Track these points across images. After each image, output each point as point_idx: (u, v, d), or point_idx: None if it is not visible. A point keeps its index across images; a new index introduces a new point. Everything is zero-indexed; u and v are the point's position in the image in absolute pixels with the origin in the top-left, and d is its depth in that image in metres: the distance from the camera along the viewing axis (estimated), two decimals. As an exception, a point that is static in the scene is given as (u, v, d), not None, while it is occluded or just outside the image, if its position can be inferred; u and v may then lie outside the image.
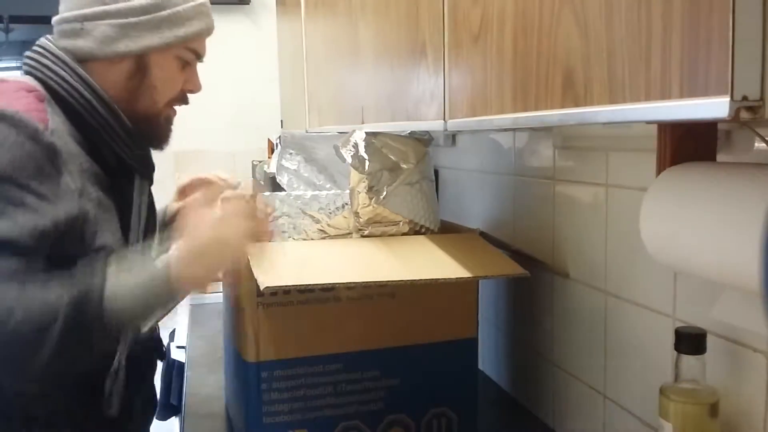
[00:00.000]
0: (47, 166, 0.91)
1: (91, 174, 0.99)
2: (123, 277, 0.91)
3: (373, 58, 1.08)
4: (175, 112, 1.12)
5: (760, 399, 0.75)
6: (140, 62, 1.05)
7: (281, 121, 2.24)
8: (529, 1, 0.59)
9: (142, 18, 1.03)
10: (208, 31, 1.12)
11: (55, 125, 0.95)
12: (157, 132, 1.11)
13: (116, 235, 1.03)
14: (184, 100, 1.12)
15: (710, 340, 0.77)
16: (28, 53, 1.04)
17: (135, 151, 1.07)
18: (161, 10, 1.04)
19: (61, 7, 1.05)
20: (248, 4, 2.46)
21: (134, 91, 1.06)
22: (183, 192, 1.28)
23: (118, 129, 1.04)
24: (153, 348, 1.20)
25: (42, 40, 1.04)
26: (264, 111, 2.47)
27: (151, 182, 1.18)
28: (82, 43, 1.03)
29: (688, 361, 0.77)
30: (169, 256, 0.93)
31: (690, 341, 0.76)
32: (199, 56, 1.12)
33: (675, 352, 0.78)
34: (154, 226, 1.19)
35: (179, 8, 1.06)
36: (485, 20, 0.68)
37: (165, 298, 0.93)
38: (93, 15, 1.02)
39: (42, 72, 1.00)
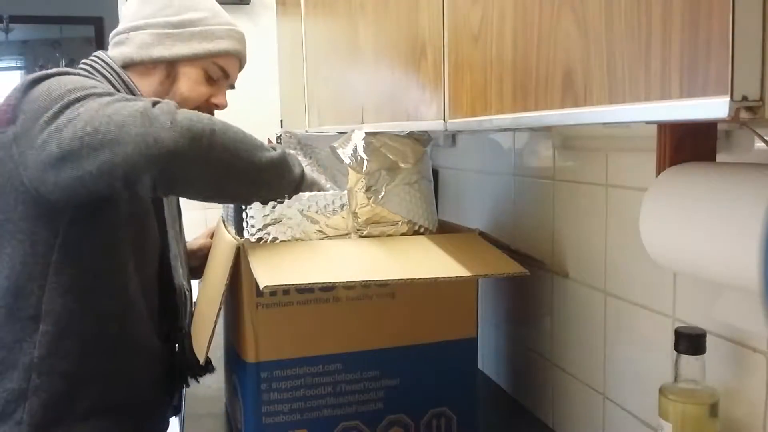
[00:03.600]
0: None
1: None
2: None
3: (372, 58, 1.08)
4: None
5: (760, 399, 0.75)
6: (170, 70, 1.19)
7: (281, 120, 2.24)
8: (529, 1, 0.59)
9: (176, 30, 1.19)
10: (238, 54, 1.27)
11: None
12: None
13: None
14: (210, 114, 1.18)
15: (710, 340, 0.77)
16: (84, 60, 1.19)
17: None
18: (195, 26, 1.20)
19: (119, 25, 1.23)
20: (248, 4, 2.46)
21: (164, 95, 1.18)
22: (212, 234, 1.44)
23: None
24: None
25: (98, 52, 1.21)
26: (264, 111, 2.46)
27: None
28: (125, 50, 1.19)
29: (688, 361, 0.77)
30: None
31: (690, 341, 0.76)
32: (227, 75, 1.25)
33: (675, 352, 0.78)
34: (181, 226, 1.34)
35: (212, 27, 1.22)
36: (485, 20, 0.68)
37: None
38: (137, 27, 1.19)
39: (91, 74, 1.14)
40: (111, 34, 1.24)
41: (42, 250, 1.05)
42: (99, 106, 0.95)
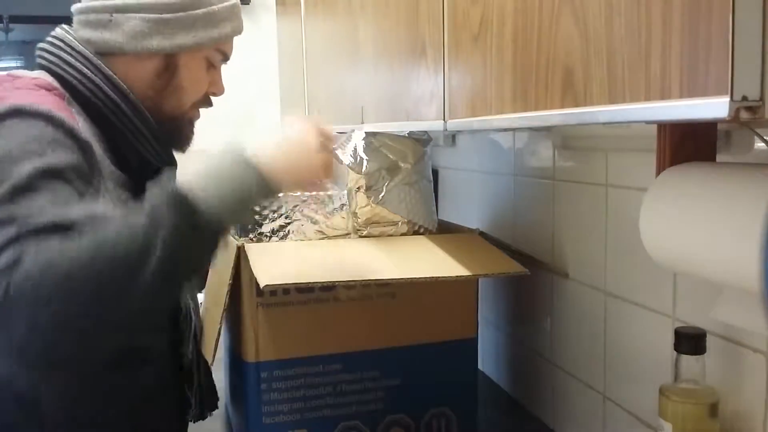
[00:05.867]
0: (85, 167, 0.85)
1: (117, 177, 0.95)
2: (202, 177, 0.79)
3: (372, 57, 1.08)
4: (198, 115, 1.07)
5: (760, 399, 0.75)
6: (170, 61, 1.00)
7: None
8: (528, 1, 0.59)
9: (176, 15, 0.98)
10: (239, 32, 1.07)
11: (82, 127, 0.88)
12: (181, 133, 1.06)
13: None
14: (207, 103, 1.07)
15: (710, 340, 0.77)
16: (42, 45, 0.96)
17: (161, 152, 1.02)
18: (197, 9, 0.99)
19: None
20: (248, 4, 2.46)
21: (161, 90, 1.01)
22: None
23: (143, 129, 0.98)
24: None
25: (59, 31, 0.97)
26: (264, 111, 2.47)
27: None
28: (109, 36, 0.96)
29: (688, 361, 0.76)
30: (247, 152, 0.82)
31: (690, 341, 0.76)
32: (225, 58, 1.07)
33: (675, 352, 0.78)
34: None
35: (215, 7, 1.01)
36: (485, 20, 0.68)
37: (256, 187, 0.81)
38: (125, 7, 0.96)
39: (60, 67, 0.93)
40: (79, 8, 0.99)
41: None
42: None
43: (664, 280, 0.89)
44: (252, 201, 0.83)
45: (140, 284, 0.71)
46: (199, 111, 1.07)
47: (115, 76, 0.95)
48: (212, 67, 1.05)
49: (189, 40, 0.99)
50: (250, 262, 0.96)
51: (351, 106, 1.21)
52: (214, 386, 1.15)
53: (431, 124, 0.83)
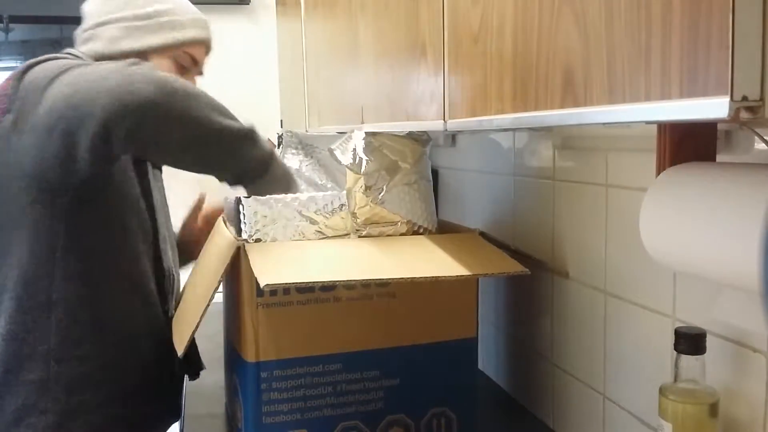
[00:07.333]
0: None
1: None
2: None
3: (372, 58, 1.08)
4: None
5: (760, 399, 0.75)
6: (143, 61, 1.16)
7: (281, 120, 2.24)
8: (528, 1, 0.59)
9: (145, 22, 1.20)
10: (205, 41, 1.29)
11: None
12: None
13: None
14: None
15: (710, 340, 0.77)
16: (57, 55, 1.15)
17: None
18: (162, 17, 1.22)
19: (83, 23, 1.24)
20: (248, 4, 2.46)
21: None
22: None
23: None
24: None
25: (69, 49, 1.21)
26: (264, 111, 2.46)
27: (160, 170, 1.32)
28: (93, 45, 1.20)
29: (688, 361, 0.77)
30: None
31: (690, 341, 0.76)
32: (195, 62, 1.27)
33: (675, 352, 0.78)
34: (168, 211, 1.36)
35: (178, 17, 1.24)
36: (485, 20, 0.68)
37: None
38: (104, 21, 1.20)
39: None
40: (76, 33, 1.24)
41: (46, 237, 1.08)
42: (86, 71, 1.02)
43: (664, 280, 0.89)
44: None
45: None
46: None
47: None
48: (182, 69, 1.25)
49: (155, 41, 1.21)
50: (250, 262, 0.96)
51: (351, 106, 1.21)
52: (197, 354, 1.33)
53: (431, 124, 0.83)
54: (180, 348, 1.06)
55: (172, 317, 1.27)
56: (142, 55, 1.19)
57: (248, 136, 1.11)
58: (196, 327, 1.01)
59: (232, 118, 1.09)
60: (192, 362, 1.31)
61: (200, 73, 1.31)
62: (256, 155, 1.12)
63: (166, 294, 1.27)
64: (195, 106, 1.03)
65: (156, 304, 1.24)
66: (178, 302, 1.25)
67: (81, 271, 1.11)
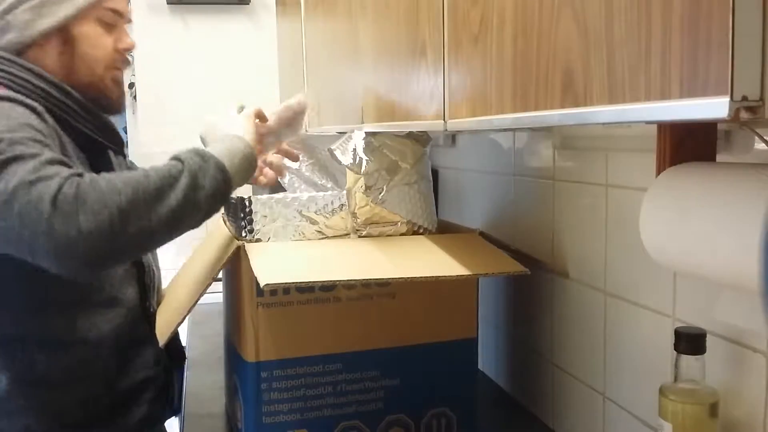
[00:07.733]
0: (50, 140, 0.97)
1: (76, 156, 1.07)
2: (224, 154, 1.00)
3: (372, 58, 1.08)
4: (120, 75, 1.17)
5: (760, 399, 0.75)
6: (65, 36, 1.09)
7: (281, 121, 2.24)
8: (529, 1, 0.59)
9: None
10: None
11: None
12: (108, 97, 1.16)
13: None
14: (124, 61, 1.17)
15: (710, 340, 0.77)
16: None
17: (96, 124, 1.12)
18: None
19: None
20: (248, 4, 2.46)
21: (70, 65, 1.10)
22: None
23: (74, 106, 1.08)
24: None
25: None
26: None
27: (124, 156, 1.26)
28: (10, 36, 1.07)
29: (688, 361, 0.76)
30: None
31: (690, 341, 0.76)
32: (120, 14, 1.16)
33: (675, 352, 0.78)
34: None
35: None
36: (485, 20, 0.68)
37: (251, 157, 1.04)
38: (9, 7, 1.07)
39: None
40: None
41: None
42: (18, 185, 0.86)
43: (664, 280, 0.89)
44: (252, 168, 1.04)
45: (161, 209, 0.90)
46: (119, 71, 1.17)
47: (35, 67, 1.06)
48: (110, 26, 1.14)
49: (70, 9, 1.08)
50: (250, 262, 0.96)
51: (351, 106, 1.21)
52: (180, 344, 1.28)
53: (431, 124, 0.83)
54: (162, 338, 1.05)
55: (154, 312, 1.22)
56: (64, 30, 1.08)
57: (193, 190, 0.93)
58: (182, 320, 1.01)
59: (166, 189, 0.91)
60: (174, 352, 1.27)
61: (129, 21, 1.19)
62: (211, 195, 0.95)
63: (147, 290, 1.21)
64: (136, 215, 0.88)
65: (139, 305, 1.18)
66: (161, 297, 1.23)
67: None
